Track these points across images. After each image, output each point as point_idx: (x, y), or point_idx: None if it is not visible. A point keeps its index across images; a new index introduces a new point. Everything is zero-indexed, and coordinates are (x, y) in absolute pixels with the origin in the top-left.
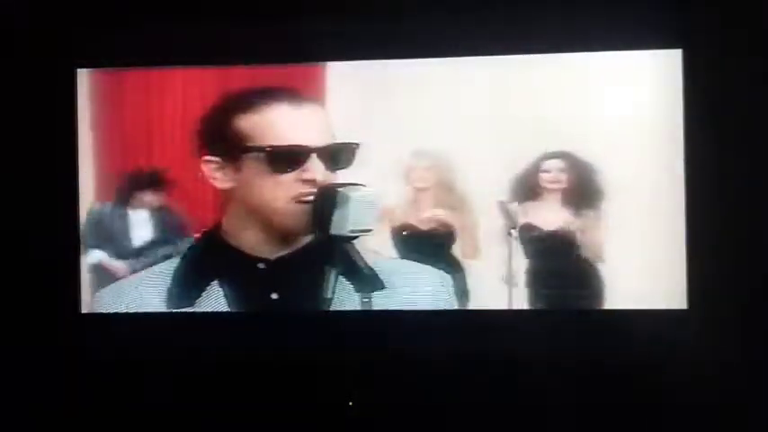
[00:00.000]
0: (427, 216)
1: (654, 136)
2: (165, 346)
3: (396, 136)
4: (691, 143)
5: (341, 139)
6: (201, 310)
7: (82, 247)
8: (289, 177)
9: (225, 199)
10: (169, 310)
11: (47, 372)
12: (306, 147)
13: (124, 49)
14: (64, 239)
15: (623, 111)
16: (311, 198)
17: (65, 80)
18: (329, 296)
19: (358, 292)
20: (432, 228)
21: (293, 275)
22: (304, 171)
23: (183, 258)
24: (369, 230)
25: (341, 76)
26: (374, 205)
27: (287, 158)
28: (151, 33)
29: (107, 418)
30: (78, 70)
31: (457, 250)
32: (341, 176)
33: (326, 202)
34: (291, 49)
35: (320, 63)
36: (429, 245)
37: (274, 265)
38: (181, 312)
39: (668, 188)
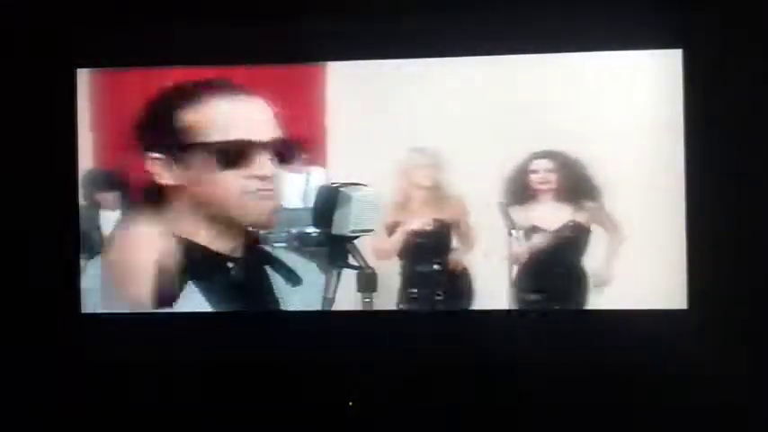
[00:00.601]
0: (426, 215)
1: (654, 136)
2: (165, 346)
3: (395, 135)
4: (691, 143)
5: (339, 139)
6: (201, 311)
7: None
8: (239, 173)
9: (170, 196)
10: (170, 311)
11: (47, 372)
12: (253, 141)
13: (124, 49)
14: (64, 240)
15: (624, 111)
16: (265, 193)
17: (65, 80)
18: (330, 296)
19: (358, 291)
20: (431, 226)
21: (261, 274)
22: (253, 166)
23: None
24: (370, 230)
25: (341, 76)
26: (375, 205)
27: (235, 154)
28: (151, 33)
29: (107, 418)
30: (78, 70)
31: (456, 246)
32: (334, 176)
33: (328, 201)
34: (291, 49)
35: (320, 63)
36: (429, 243)
37: (243, 262)
38: (181, 313)
39: (668, 188)
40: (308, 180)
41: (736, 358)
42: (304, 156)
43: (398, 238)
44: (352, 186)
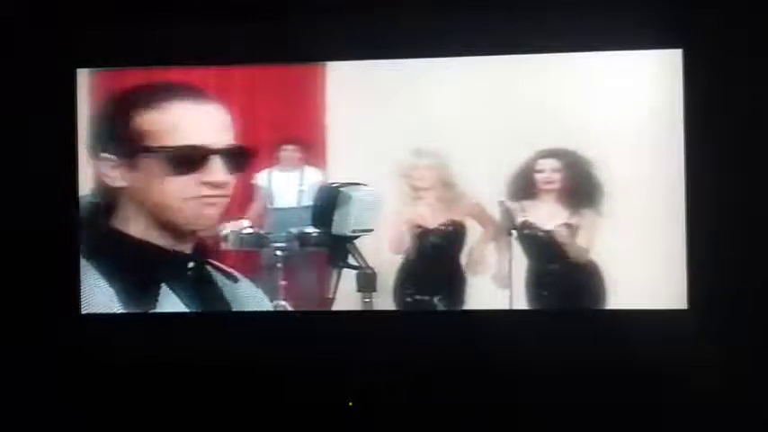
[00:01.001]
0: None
1: (654, 136)
2: (165, 346)
3: (395, 135)
4: (691, 143)
5: (339, 139)
6: (201, 311)
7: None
8: (189, 178)
9: (115, 197)
10: (170, 311)
11: (46, 371)
12: (207, 148)
13: (124, 49)
14: (64, 239)
15: (624, 110)
16: (213, 200)
17: (65, 80)
18: (330, 296)
19: (358, 291)
20: (442, 227)
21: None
22: (205, 173)
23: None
24: (370, 230)
25: (341, 76)
26: (375, 205)
27: (187, 159)
28: (151, 33)
29: (106, 418)
30: (78, 70)
31: (465, 251)
32: (334, 176)
33: (328, 201)
34: (291, 49)
35: (320, 63)
36: (438, 244)
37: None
38: (181, 313)
39: (668, 188)
40: (303, 180)
41: (736, 358)
42: (300, 156)
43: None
44: (352, 186)
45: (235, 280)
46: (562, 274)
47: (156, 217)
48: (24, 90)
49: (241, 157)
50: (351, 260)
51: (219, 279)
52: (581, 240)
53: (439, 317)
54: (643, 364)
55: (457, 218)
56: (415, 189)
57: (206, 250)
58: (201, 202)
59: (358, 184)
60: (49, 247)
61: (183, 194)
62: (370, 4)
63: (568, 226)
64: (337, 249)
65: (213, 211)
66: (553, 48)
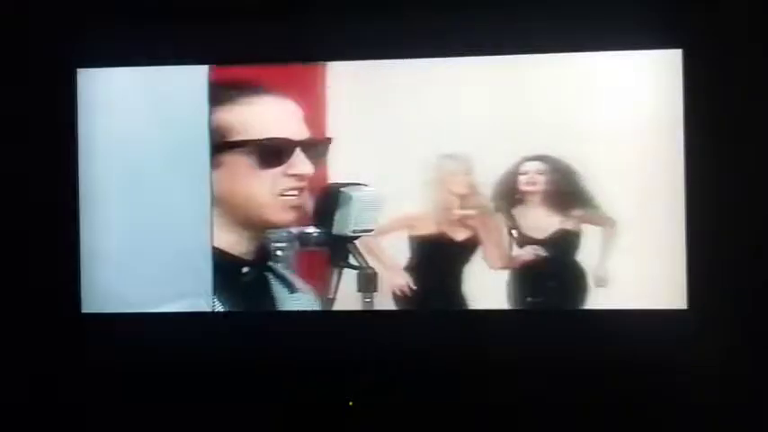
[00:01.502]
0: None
1: (654, 136)
2: (166, 345)
3: (396, 135)
4: (691, 143)
5: (339, 139)
6: (201, 311)
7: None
8: (275, 171)
9: None
10: (170, 311)
11: (46, 371)
12: (291, 140)
13: (124, 49)
14: (64, 239)
15: (623, 111)
16: (296, 192)
17: (65, 80)
18: (330, 296)
19: (358, 291)
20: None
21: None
22: (290, 165)
23: None
24: (370, 230)
25: (341, 76)
26: (375, 205)
27: (275, 152)
28: (151, 33)
29: (107, 419)
30: (78, 70)
31: (479, 257)
32: (339, 176)
33: (329, 201)
34: (291, 49)
35: (320, 63)
36: (452, 251)
37: (258, 269)
38: (181, 313)
39: (668, 188)
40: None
41: (736, 358)
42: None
43: (417, 242)
44: (352, 186)
45: (292, 290)
46: (562, 274)
47: (239, 214)
48: (24, 90)
49: (321, 149)
50: (351, 260)
51: (275, 286)
52: (580, 239)
53: (439, 317)
54: (643, 364)
55: (479, 226)
56: (452, 194)
57: (266, 255)
58: (287, 197)
59: (358, 184)
60: (49, 246)
61: (271, 188)
62: (371, 4)
63: (568, 225)
64: (337, 249)
65: (294, 204)
66: (553, 48)
